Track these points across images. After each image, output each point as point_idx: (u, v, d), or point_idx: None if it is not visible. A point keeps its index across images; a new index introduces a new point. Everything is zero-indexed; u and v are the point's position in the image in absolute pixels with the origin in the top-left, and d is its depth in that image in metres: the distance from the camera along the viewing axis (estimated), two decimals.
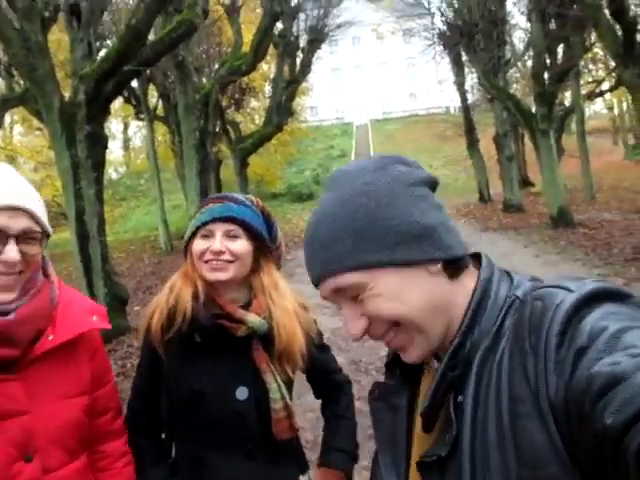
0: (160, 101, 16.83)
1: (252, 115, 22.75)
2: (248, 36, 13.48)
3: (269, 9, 11.98)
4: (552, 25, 12.31)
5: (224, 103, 16.08)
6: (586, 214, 13.24)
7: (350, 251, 0.72)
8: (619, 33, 8.18)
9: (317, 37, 16.72)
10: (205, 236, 1.38)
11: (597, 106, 37.24)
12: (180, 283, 1.41)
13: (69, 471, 1.19)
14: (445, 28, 16.95)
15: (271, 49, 13.99)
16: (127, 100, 17.35)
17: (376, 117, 40.69)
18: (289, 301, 1.43)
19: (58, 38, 12.64)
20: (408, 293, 0.72)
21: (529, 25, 13.86)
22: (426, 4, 18.25)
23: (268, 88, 19.65)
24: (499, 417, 0.64)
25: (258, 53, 12.19)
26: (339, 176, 0.78)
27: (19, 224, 1.07)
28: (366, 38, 43.51)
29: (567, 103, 20.67)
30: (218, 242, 1.35)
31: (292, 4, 14.92)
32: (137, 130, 32.42)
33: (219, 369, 1.37)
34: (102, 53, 9.05)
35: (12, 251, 1.06)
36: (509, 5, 15.67)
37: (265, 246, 1.43)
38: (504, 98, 13.23)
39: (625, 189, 17.90)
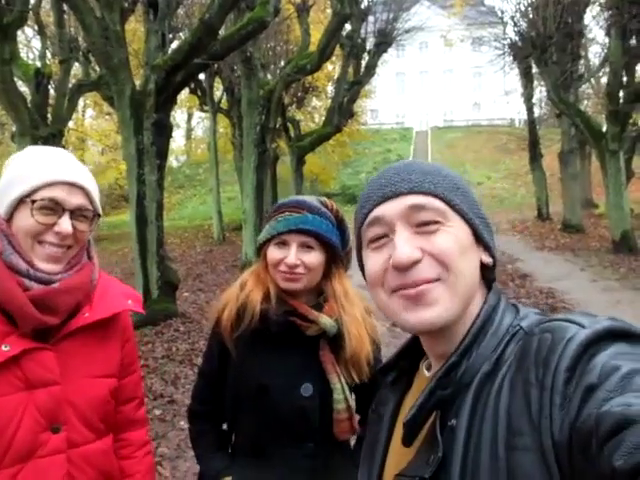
0: (225, 94, 17.23)
1: (313, 114, 22.90)
2: (316, 35, 13.58)
3: (339, 10, 12.01)
4: (632, 41, 11.73)
5: (286, 100, 16.26)
6: None
7: (448, 188, 0.75)
8: None
9: (384, 40, 16.61)
10: (280, 244, 1.40)
11: None
12: (252, 283, 1.44)
13: (93, 449, 1.22)
14: (517, 38, 16.44)
15: (337, 50, 14.02)
16: (193, 91, 17.85)
17: (437, 124, 40.04)
18: (357, 308, 1.44)
19: (133, 28, 13.17)
20: (469, 255, 0.73)
21: (607, 40, 13.28)
22: (499, 13, 17.80)
23: (331, 88, 19.71)
24: (494, 447, 0.62)
25: (324, 53, 12.23)
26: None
27: (75, 200, 1.15)
28: (433, 44, 42.83)
29: None
30: (293, 255, 1.37)
31: (362, 6, 14.90)
32: (200, 121, 33.33)
33: (286, 364, 1.40)
34: (174, 45, 9.36)
35: (66, 223, 1.13)
36: (587, 18, 14.93)
37: (337, 254, 1.44)
38: (573, 114, 12.74)
39: None
